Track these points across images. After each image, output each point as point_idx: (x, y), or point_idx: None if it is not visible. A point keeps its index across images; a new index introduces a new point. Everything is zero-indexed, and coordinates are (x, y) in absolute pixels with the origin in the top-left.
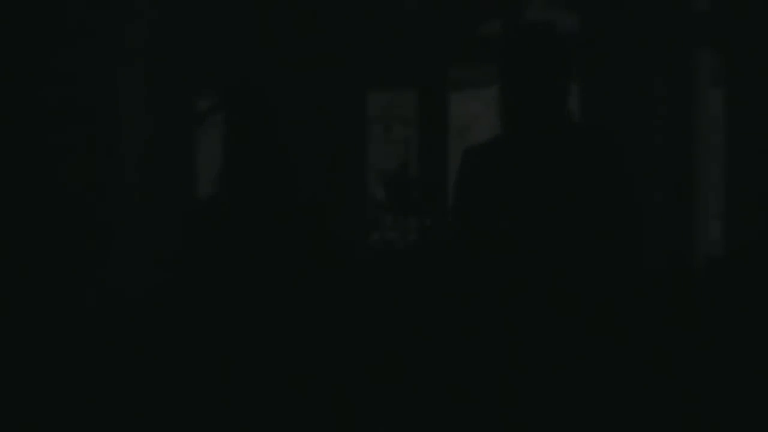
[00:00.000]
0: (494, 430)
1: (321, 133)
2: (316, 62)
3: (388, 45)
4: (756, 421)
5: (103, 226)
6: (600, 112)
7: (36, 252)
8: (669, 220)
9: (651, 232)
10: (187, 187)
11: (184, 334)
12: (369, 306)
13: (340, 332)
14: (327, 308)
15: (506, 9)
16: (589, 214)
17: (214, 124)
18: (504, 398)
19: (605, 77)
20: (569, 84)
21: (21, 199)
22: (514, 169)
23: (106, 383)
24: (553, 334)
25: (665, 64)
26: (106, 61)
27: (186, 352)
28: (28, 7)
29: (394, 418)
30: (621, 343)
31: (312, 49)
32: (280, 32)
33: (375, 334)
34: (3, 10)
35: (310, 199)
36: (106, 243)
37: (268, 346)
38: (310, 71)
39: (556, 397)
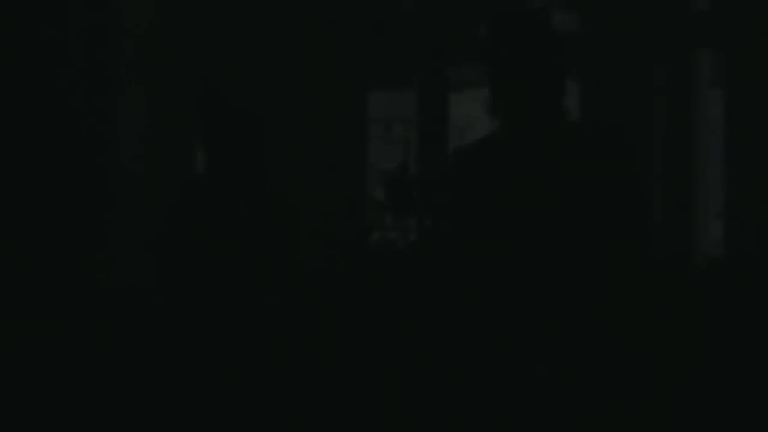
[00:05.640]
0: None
1: (321, 133)
2: (316, 62)
3: (388, 45)
4: (756, 421)
5: (104, 225)
6: (600, 112)
7: (35, 251)
8: (669, 220)
9: (651, 233)
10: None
11: (173, 317)
12: (369, 306)
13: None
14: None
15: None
16: (592, 217)
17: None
18: (504, 400)
19: (605, 77)
20: (565, 77)
21: (20, 197)
22: (509, 169)
23: (106, 382)
24: (551, 337)
25: (665, 64)
26: (105, 59)
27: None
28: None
29: (394, 417)
30: (621, 343)
31: (312, 48)
32: (279, 32)
33: (375, 334)
34: (3, 9)
35: (281, 193)
36: (106, 241)
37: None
38: (310, 71)
39: (554, 398)
